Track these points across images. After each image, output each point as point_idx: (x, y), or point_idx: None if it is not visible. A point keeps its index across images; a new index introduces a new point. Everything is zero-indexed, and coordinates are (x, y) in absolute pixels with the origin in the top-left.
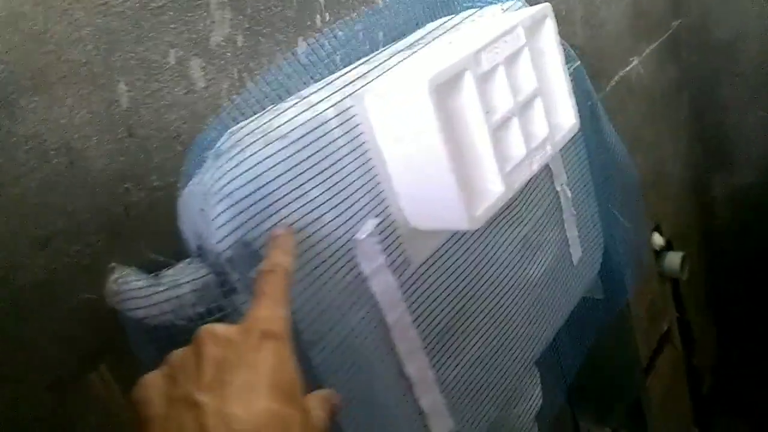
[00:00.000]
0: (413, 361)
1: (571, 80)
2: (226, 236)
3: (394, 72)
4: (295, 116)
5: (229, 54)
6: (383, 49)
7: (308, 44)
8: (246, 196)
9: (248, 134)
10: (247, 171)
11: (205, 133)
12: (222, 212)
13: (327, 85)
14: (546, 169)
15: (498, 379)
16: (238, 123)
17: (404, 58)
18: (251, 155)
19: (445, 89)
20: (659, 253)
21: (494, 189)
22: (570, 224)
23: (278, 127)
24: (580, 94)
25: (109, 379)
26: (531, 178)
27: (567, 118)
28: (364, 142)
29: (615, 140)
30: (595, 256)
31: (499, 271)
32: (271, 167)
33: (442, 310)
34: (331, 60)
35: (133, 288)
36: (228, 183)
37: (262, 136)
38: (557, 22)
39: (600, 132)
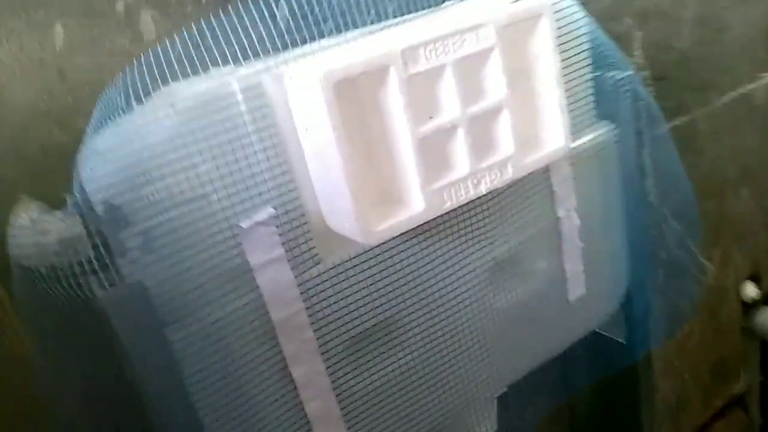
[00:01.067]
0: (303, 364)
1: (615, 90)
2: (94, 194)
3: (321, 55)
4: (202, 84)
5: (189, 9)
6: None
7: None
8: (122, 158)
9: (144, 95)
10: (130, 132)
11: (112, 87)
12: (92, 169)
13: (268, 57)
14: (545, 188)
15: (419, 409)
16: (146, 81)
17: (359, 39)
18: (139, 117)
19: (355, 84)
20: (750, 307)
21: (410, 205)
22: (571, 257)
23: (178, 92)
24: (624, 109)
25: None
26: (517, 195)
27: (552, 137)
28: (273, 125)
29: (674, 169)
30: (608, 298)
31: (445, 291)
32: (158, 133)
33: (359, 317)
34: (314, 28)
35: (15, 224)
36: (105, 141)
37: (158, 99)
38: (651, 15)
39: (654, 158)
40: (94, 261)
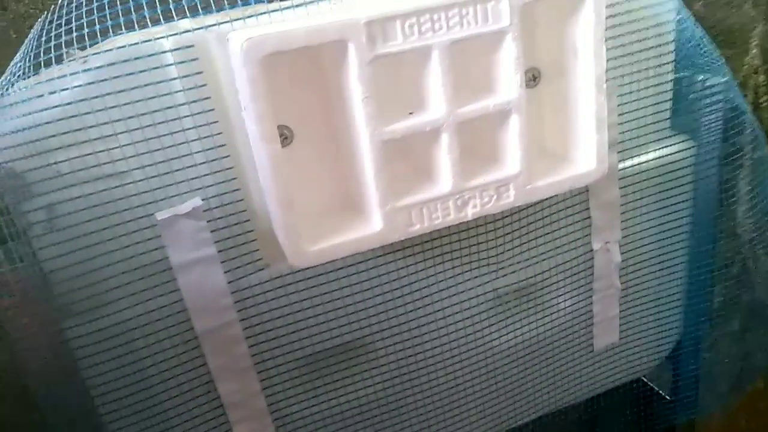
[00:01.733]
0: (233, 381)
1: (703, 99)
2: None
3: (277, 16)
4: (123, 40)
5: None
6: None
7: None
8: (27, 120)
9: (57, 52)
10: (36, 91)
11: (27, 41)
12: None
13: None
14: (580, 213)
15: None
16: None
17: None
18: (48, 75)
19: (316, 60)
20: None
21: (368, 221)
22: (604, 299)
23: (100, 52)
24: (710, 123)
25: None
26: (537, 216)
27: (583, 157)
28: (209, 98)
29: None
30: (648, 351)
31: (426, 320)
32: (66, 95)
33: (311, 336)
34: None
35: None
36: (10, 99)
37: (75, 59)
38: None
39: (752, 183)
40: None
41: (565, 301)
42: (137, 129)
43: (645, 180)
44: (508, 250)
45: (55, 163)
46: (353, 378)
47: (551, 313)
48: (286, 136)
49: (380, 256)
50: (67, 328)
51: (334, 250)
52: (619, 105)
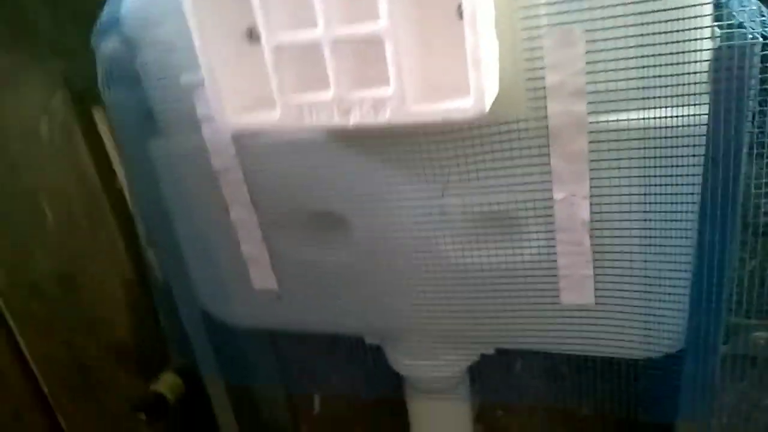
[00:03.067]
0: (237, 211)
1: (735, 56)
2: (124, 20)
3: None
4: None
5: None
6: None
7: None
8: None
9: None
10: None
11: None
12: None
13: None
14: (539, 158)
15: (342, 305)
16: None
17: None
18: None
19: None
20: None
21: (271, 111)
22: (572, 255)
23: None
24: (740, 86)
25: None
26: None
27: (463, 92)
28: None
29: None
30: (643, 333)
31: (390, 209)
32: None
33: (296, 196)
34: None
35: None
36: None
37: None
38: None
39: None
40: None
41: (523, 239)
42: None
43: (640, 140)
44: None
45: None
46: (334, 243)
47: (510, 247)
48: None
49: (344, 140)
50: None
51: (249, 123)
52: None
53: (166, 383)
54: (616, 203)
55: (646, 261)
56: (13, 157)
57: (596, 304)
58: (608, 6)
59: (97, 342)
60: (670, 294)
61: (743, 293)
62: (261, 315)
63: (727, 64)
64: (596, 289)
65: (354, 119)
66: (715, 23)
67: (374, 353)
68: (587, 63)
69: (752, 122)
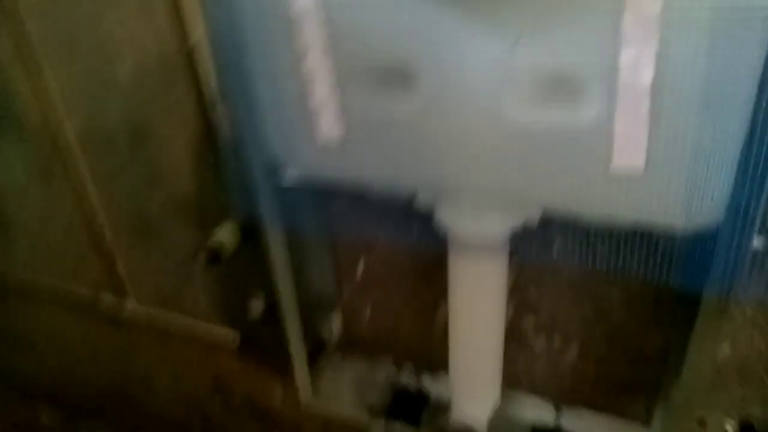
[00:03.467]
0: (314, 56)
1: None
2: None
3: None
4: None
5: None
6: None
7: None
8: None
9: None
10: None
11: None
12: None
13: None
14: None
15: (404, 160)
16: None
17: None
18: None
19: None
20: None
21: None
22: (629, 114)
23: None
24: None
25: None
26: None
27: None
28: None
29: None
30: (687, 204)
31: (461, 61)
32: None
33: (371, 47)
34: None
35: None
36: None
37: None
38: None
39: None
40: None
41: (585, 101)
42: None
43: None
44: (531, 23)
45: None
46: (402, 97)
47: (571, 108)
48: None
49: None
50: None
51: None
52: None
53: (226, 232)
54: (680, 67)
55: (700, 129)
56: (89, 11)
57: (645, 170)
58: None
59: (160, 194)
60: (717, 165)
61: None
62: (325, 165)
63: None
64: (647, 154)
65: None
66: None
67: (422, 219)
68: None
69: None
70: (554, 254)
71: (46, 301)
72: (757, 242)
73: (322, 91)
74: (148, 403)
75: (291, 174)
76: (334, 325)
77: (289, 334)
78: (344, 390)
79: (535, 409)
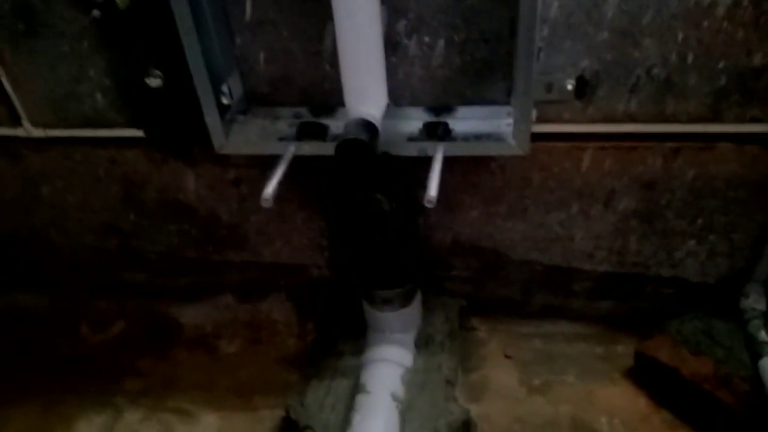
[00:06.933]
0: None
1: None
2: None
3: None
4: None
5: None
6: None
7: None
8: None
9: None
10: None
11: None
12: None
13: None
14: None
15: None
16: None
17: None
18: None
19: None
20: None
21: None
22: None
23: None
24: None
25: None
26: None
27: None
28: None
29: None
30: None
31: None
32: None
33: None
34: None
35: None
36: None
37: None
38: None
39: None
40: None
41: None
42: None
43: None
44: None
45: None
46: None
47: None
48: None
49: None
50: None
51: None
52: None
53: None
54: None
55: None
56: None
57: None
58: None
59: None
60: None
61: None
62: None
63: None
64: None
65: None
66: None
67: None
68: None
69: None
70: None
71: None
72: None
73: None
74: (59, 238)
75: None
76: (234, 88)
77: (200, 92)
78: (253, 134)
79: (418, 113)
